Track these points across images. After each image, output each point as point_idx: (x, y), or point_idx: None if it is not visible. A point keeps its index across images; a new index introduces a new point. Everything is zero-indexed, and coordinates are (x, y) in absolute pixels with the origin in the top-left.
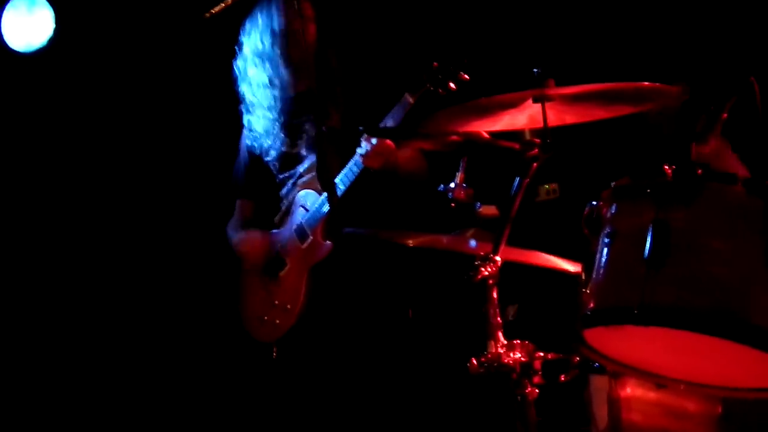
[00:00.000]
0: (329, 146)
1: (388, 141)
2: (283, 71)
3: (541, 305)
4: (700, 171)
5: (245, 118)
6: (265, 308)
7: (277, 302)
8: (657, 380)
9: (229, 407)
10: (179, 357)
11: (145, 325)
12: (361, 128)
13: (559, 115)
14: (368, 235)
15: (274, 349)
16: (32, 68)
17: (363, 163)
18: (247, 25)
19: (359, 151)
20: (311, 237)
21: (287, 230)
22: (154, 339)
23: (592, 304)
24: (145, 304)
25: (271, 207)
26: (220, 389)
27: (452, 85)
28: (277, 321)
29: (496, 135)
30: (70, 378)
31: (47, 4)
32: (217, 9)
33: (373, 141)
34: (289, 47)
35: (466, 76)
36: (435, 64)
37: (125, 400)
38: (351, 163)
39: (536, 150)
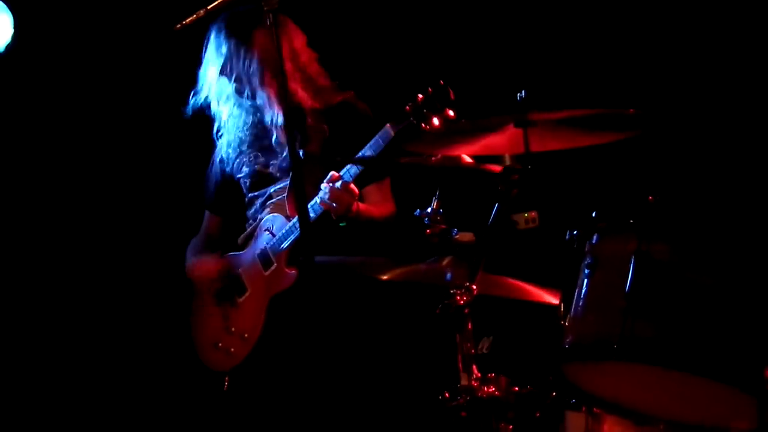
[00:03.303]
0: (305, 171)
1: (351, 186)
2: (258, 92)
3: (517, 337)
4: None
5: (220, 132)
6: (220, 334)
7: (233, 329)
8: (636, 418)
9: None
10: (125, 380)
11: (95, 343)
12: (339, 159)
13: (541, 141)
14: (340, 265)
15: (226, 380)
16: None
17: (322, 206)
18: (220, 43)
19: (320, 193)
20: (275, 264)
21: (250, 254)
22: (100, 359)
23: (570, 338)
24: (97, 320)
25: (238, 226)
26: (166, 419)
27: (436, 121)
28: (232, 349)
29: (475, 158)
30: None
31: (6, 9)
32: (188, 20)
33: (338, 185)
34: (264, 68)
35: (452, 114)
36: (420, 97)
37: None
38: (312, 202)
39: (516, 176)
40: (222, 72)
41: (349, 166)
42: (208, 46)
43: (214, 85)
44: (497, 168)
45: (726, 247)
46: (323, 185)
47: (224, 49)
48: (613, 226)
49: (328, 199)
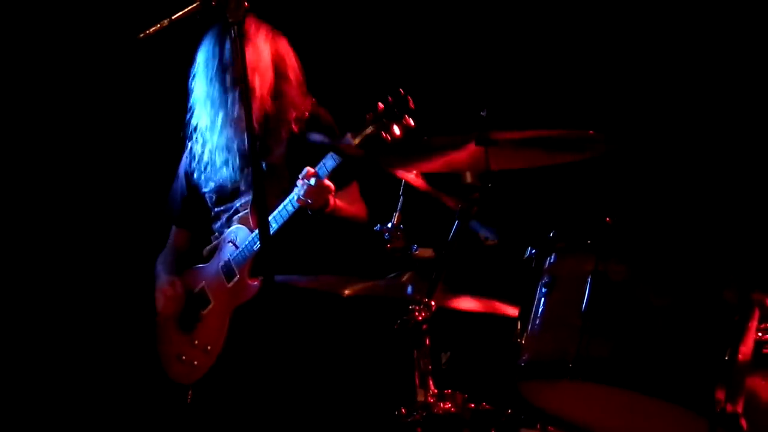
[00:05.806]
0: (267, 183)
1: (327, 182)
2: (231, 109)
3: (475, 353)
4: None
5: (188, 145)
6: (184, 347)
7: (197, 342)
8: None
9: None
10: (90, 393)
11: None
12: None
13: (501, 160)
14: (301, 284)
15: (189, 393)
16: None
17: (299, 203)
18: (197, 59)
19: (296, 190)
20: (238, 276)
21: (214, 266)
22: (66, 371)
23: (526, 356)
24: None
25: (204, 240)
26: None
27: (396, 130)
28: (196, 362)
29: (436, 175)
30: None
31: None
32: (152, 30)
33: (311, 182)
34: (236, 86)
35: (412, 123)
36: (381, 106)
37: None
38: (286, 202)
39: (477, 194)
40: (202, 89)
41: (324, 160)
42: (195, 63)
43: (193, 100)
44: (451, 202)
45: (681, 269)
46: (298, 182)
47: (203, 68)
48: (571, 246)
49: (304, 196)
